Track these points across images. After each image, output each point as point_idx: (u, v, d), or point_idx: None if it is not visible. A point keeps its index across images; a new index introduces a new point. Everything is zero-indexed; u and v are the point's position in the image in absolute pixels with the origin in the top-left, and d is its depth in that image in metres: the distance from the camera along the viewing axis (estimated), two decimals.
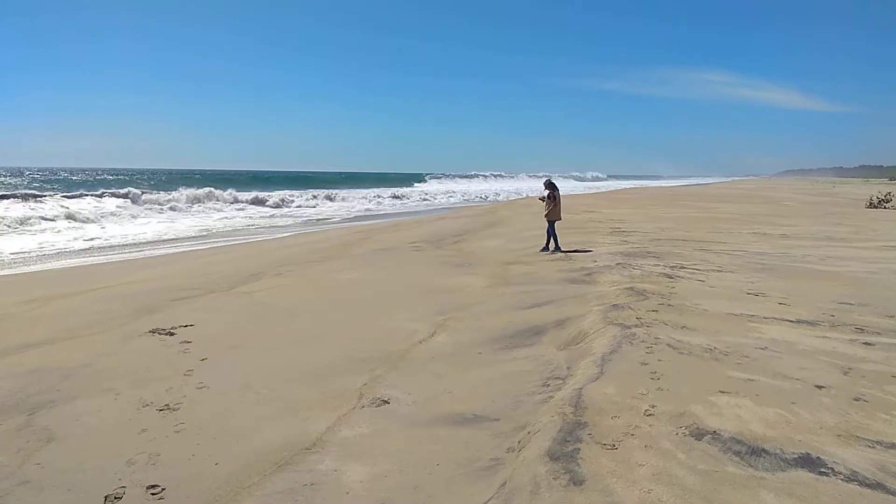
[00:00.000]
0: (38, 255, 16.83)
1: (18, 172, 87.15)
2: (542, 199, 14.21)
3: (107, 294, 9.96)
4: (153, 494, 3.81)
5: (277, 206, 38.81)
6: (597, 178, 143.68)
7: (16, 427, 4.84)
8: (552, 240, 13.88)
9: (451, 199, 53.25)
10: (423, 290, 10.01)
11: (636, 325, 6.88)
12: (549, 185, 14.32)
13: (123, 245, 19.53)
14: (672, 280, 9.70)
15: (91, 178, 68.26)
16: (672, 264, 11.33)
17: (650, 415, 4.53)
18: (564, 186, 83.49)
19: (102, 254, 17.16)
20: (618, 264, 11.37)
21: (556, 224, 14.12)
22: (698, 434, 4.18)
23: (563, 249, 13.77)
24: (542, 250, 13.78)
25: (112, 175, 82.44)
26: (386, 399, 5.32)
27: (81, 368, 6.18)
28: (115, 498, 3.78)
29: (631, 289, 8.89)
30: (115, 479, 4.00)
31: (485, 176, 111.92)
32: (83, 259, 15.98)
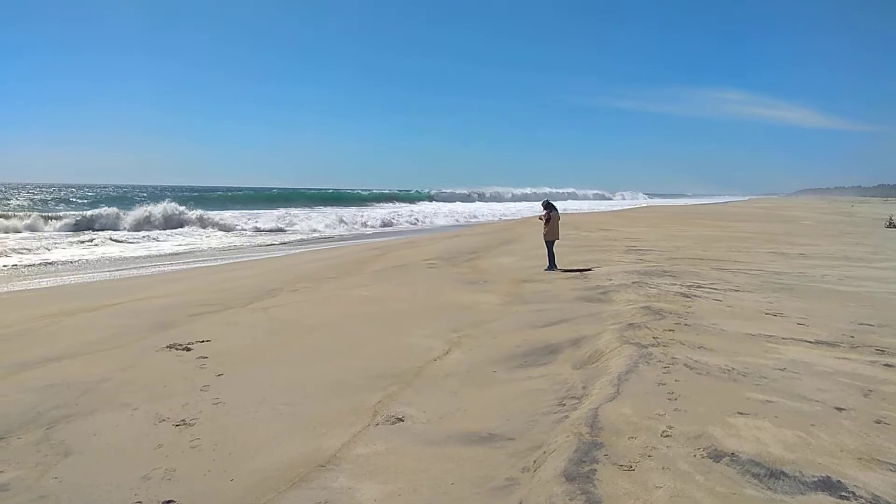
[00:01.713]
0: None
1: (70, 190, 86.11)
2: (540, 218, 14.42)
3: (125, 309, 10.06)
4: None
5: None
6: (623, 198, 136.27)
7: (34, 441, 4.89)
8: (552, 258, 14.01)
9: None
10: (437, 307, 10.01)
11: (653, 345, 6.82)
12: (547, 205, 14.47)
13: (141, 258, 19.75)
14: (689, 299, 9.63)
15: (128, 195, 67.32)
16: (689, 283, 11.25)
17: (667, 436, 4.48)
18: (595, 206, 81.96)
19: (121, 268, 17.35)
20: (634, 283, 11.30)
21: (556, 243, 14.30)
22: (716, 456, 4.13)
23: (558, 268, 13.79)
24: (547, 269, 13.80)
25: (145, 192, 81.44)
26: (400, 416, 5.31)
27: (99, 383, 6.24)
28: None
29: (647, 308, 8.83)
30: (130, 495, 4.02)
31: (528, 196, 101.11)
32: (103, 273, 16.17)
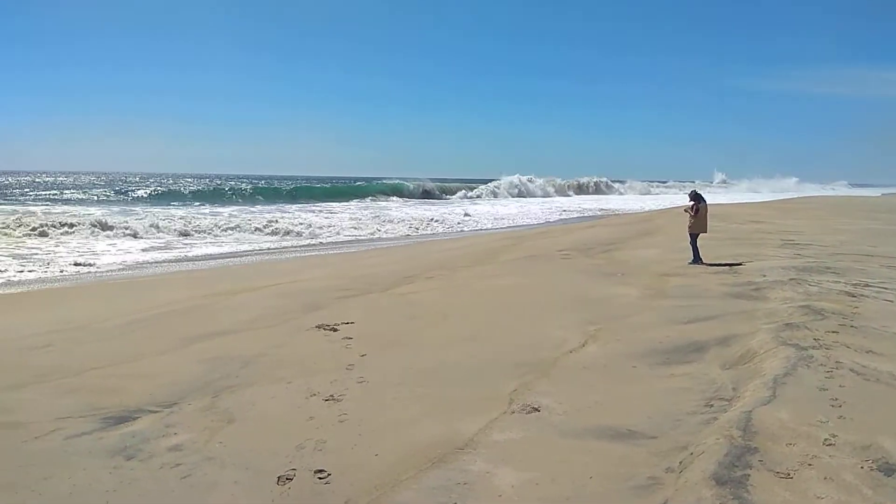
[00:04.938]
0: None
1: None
2: (687, 210, 13.59)
3: (279, 290, 10.86)
4: (320, 479, 4.08)
5: None
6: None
7: (203, 407, 5.41)
8: (696, 252, 13.23)
9: None
10: (572, 298, 9.85)
11: (813, 347, 6.28)
12: (694, 197, 13.63)
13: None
14: (855, 299, 8.74)
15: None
16: (854, 281, 10.20)
17: (830, 444, 4.13)
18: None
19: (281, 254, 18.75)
20: (791, 279, 10.43)
21: (701, 236, 13.43)
22: (888, 469, 3.74)
23: (704, 262, 12.98)
24: (692, 263, 13.06)
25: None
26: (536, 406, 5.29)
27: (258, 357, 6.79)
28: (287, 479, 4.09)
29: (807, 307, 8.12)
30: (286, 462, 4.34)
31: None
32: (258, 258, 17.57)
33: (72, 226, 22.19)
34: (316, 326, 8.06)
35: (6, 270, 14.32)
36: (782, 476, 3.71)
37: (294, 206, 41.80)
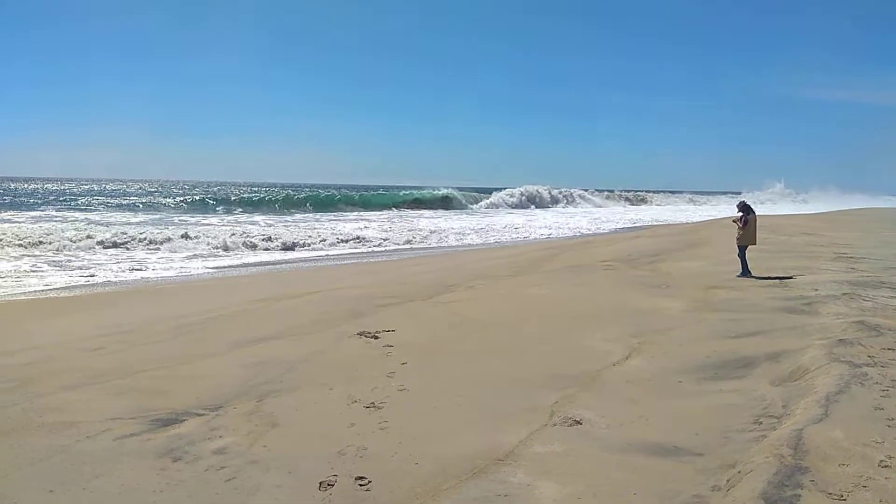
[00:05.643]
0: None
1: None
2: (735, 220, 13.23)
3: (321, 297, 11.01)
4: (361, 485, 4.10)
5: None
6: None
7: (247, 411, 5.50)
8: (744, 264, 12.87)
9: None
10: (616, 310, 9.71)
11: (868, 365, 6.04)
12: (744, 208, 13.26)
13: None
14: None
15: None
16: None
17: (886, 466, 3.96)
18: None
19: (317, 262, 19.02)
20: (844, 294, 10.07)
21: (750, 248, 13.06)
22: None
23: (753, 274, 12.60)
24: (740, 276, 12.71)
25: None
26: (578, 419, 5.22)
27: (301, 363, 6.88)
28: (328, 485, 4.13)
29: (861, 322, 7.82)
30: (327, 468, 4.38)
31: None
32: (299, 265, 17.85)
33: (122, 242, 21.93)
34: (358, 333, 8.13)
35: (52, 276, 14.91)
36: (835, 497, 3.58)
37: (329, 215, 42.55)
